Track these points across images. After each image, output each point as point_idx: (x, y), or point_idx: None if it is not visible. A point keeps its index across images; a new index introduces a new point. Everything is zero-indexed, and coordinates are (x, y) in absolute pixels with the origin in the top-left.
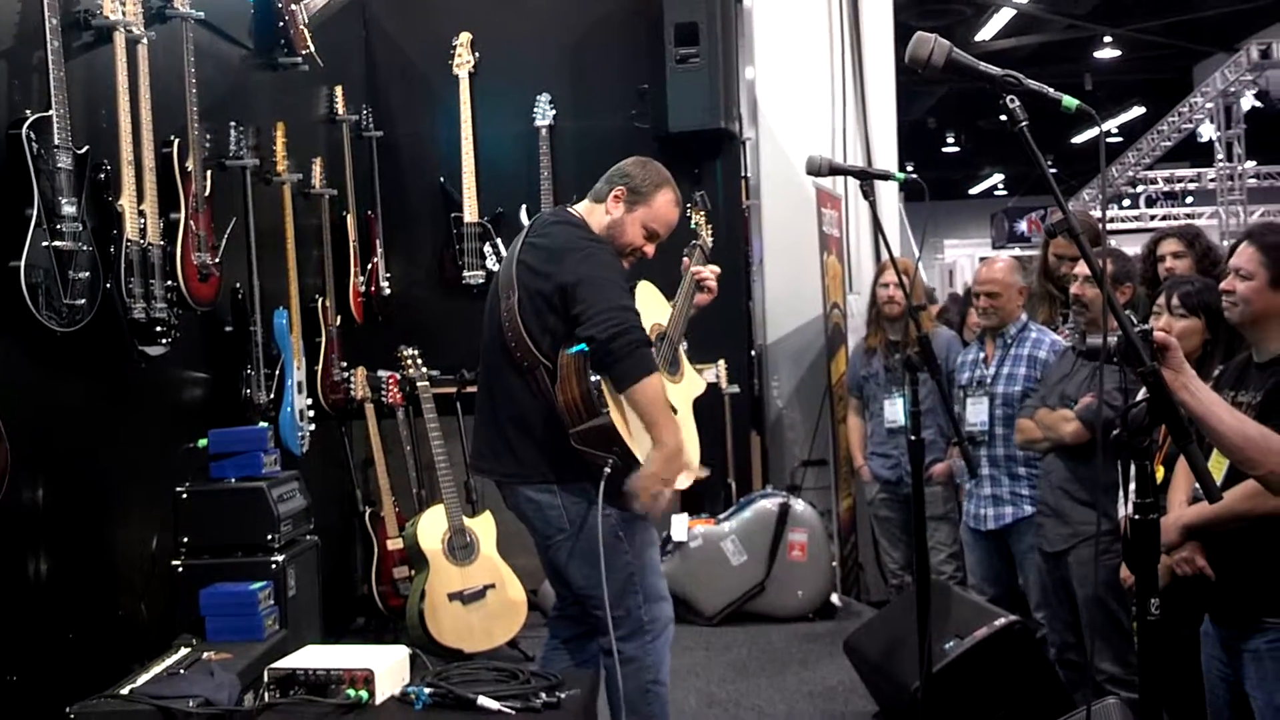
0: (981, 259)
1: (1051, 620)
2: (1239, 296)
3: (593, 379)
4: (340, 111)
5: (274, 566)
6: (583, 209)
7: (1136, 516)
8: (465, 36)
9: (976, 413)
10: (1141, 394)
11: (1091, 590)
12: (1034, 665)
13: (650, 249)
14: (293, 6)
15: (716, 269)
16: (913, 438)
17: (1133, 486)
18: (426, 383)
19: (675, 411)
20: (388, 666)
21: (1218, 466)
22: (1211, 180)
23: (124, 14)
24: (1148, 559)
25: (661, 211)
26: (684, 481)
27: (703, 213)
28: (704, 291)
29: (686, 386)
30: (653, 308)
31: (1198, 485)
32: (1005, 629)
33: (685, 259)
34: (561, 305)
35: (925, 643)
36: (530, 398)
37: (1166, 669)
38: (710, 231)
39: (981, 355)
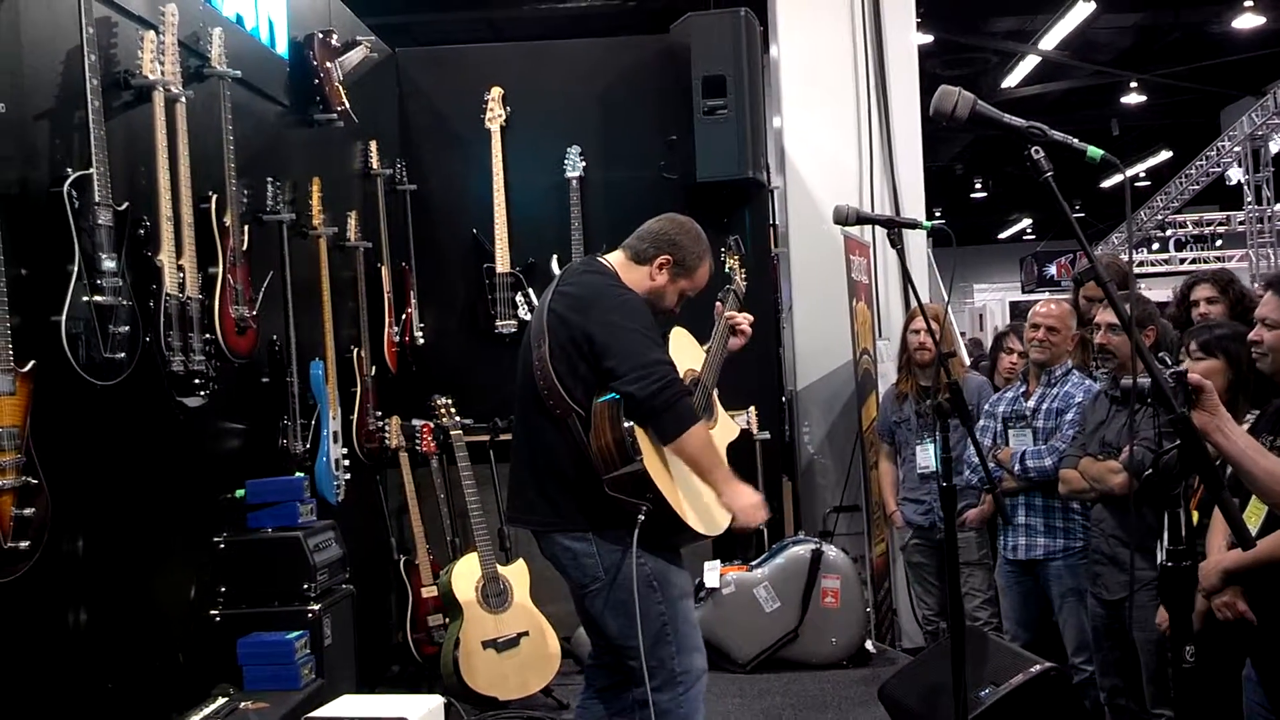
0: (1012, 303)
1: (1103, 665)
2: (1267, 346)
3: (626, 425)
4: (375, 166)
5: (310, 616)
6: (616, 261)
7: (1170, 564)
8: (497, 91)
9: (1021, 444)
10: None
11: (1151, 635)
12: (1070, 712)
13: (678, 308)
14: (328, 64)
15: (750, 317)
16: (944, 484)
17: (1166, 534)
18: (460, 431)
19: None
20: (422, 715)
21: (1256, 513)
22: (1241, 223)
23: (163, 74)
24: (1181, 605)
25: (701, 281)
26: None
27: (737, 257)
28: (737, 336)
29: (720, 432)
30: (686, 353)
31: None
32: (1041, 675)
33: (719, 303)
34: (591, 354)
35: (961, 690)
36: (564, 446)
37: (1208, 714)
38: (744, 275)
39: (1023, 390)
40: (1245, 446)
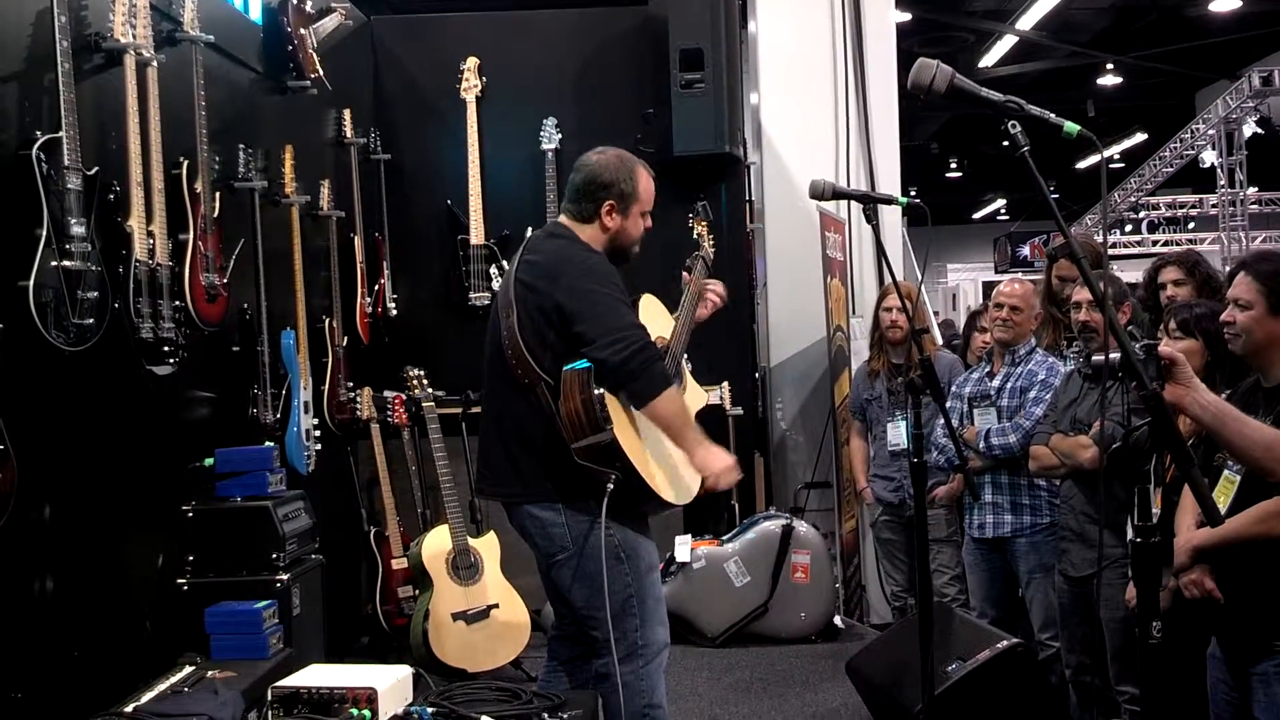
0: (985, 283)
1: (1068, 642)
2: (1240, 327)
3: (596, 393)
4: (348, 134)
5: (279, 585)
6: (569, 223)
7: (1139, 540)
8: (473, 61)
9: (986, 423)
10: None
11: (1117, 613)
12: (1036, 687)
13: (649, 222)
14: (302, 30)
15: (720, 283)
16: (915, 460)
17: (1135, 511)
18: (432, 403)
19: None
20: (390, 685)
21: (1224, 491)
22: (1213, 206)
23: (134, 37)
24: (1149, 582)
25: (648, 195)
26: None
27: (704, 223)
28: (705, 305)
29: (690, 400)
30: (656, 320)
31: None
32: (1008, 651)
33: (685, 273)
34: (560, 322)
35: (928, 665)
36: (533, 416)
37: (1170, 691)
38: (712, 241)
39: (988, 369)
40: (1221, 414)
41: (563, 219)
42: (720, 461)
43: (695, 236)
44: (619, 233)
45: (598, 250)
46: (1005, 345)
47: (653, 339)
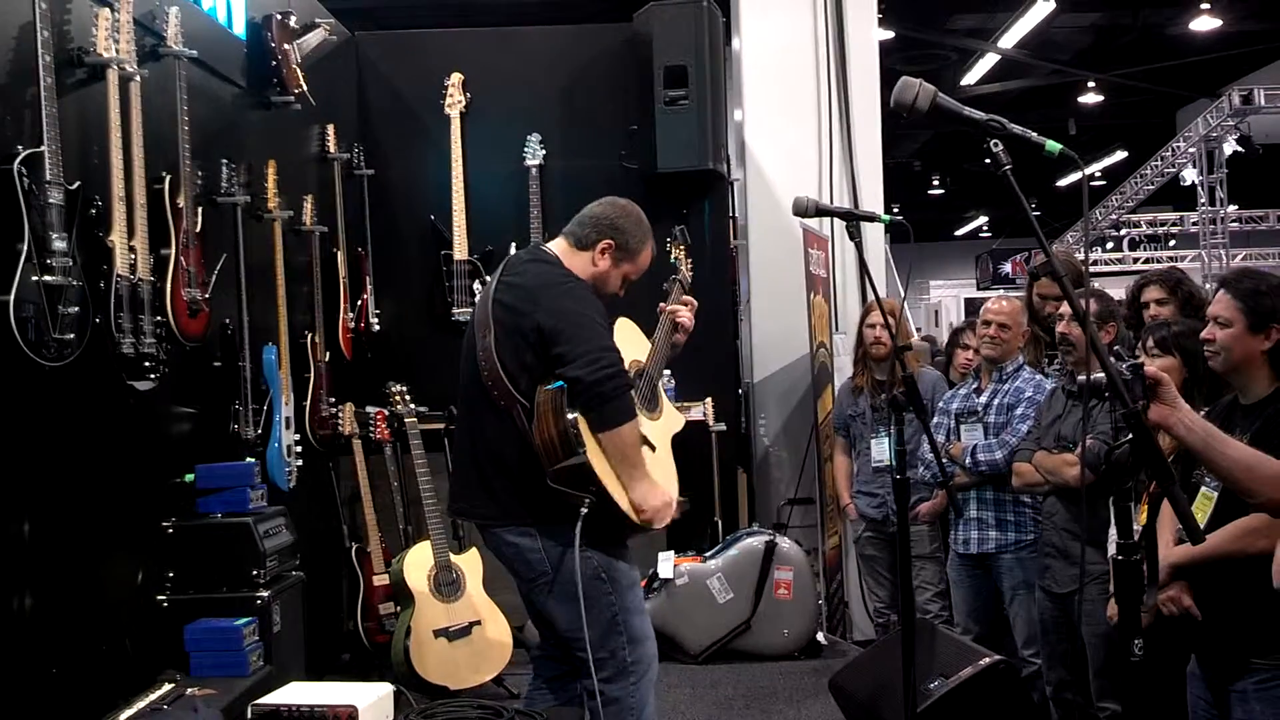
0: (967, 299)
1: (1049, 658)
2: (1219, 345)
3: (570, 417)
4: (332, 149)
5: (259, 602)
6: (559, 249)
7: (1120, 557)
8: (457, 77)
9: (972, 439)
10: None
11: (1099, 629)
12: (1018, 704)
13: (623, 290)
14: (286, 46)
15: (693, 302)
16: (898, 477)
17: (1116, 528)
18: (414, 419)
19: (654, 449)
20: (371, 703)
21: (1202, 508)
22: (1194, 224)
23: (117, 52)
24: (1131, 599)
25: (643, 264)
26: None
27: (682, 248)
28: (680, 332)
29: (665, 423)
30: (632, 344)
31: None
32: (990, 668)
33: (663, 305)
34: (539, 344)
35: (910, 682)
36: (507, 437)
37: (1151, 708)
38: (690, 266)
39: (975, 386)
40: (1207, 436)
41: (555, 243)
42: (659, 498)
43: (673, 260)
44: (602, 275)
45: (575, 274)
46: (993, 362)
47: (628, 363)
